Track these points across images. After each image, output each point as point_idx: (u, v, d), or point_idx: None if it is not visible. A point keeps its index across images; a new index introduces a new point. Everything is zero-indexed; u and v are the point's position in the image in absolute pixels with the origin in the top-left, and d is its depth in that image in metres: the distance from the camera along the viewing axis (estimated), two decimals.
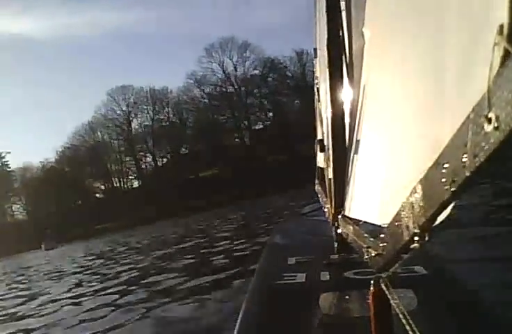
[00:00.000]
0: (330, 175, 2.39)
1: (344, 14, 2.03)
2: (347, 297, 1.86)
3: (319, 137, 3.37)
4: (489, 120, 0.50)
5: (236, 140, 64.49)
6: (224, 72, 63.85)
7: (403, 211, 0.83)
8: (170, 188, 56.85)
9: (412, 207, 0.77)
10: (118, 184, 68.60)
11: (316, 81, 3.88)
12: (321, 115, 3.54)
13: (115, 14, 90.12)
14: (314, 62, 4.10)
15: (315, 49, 3.75)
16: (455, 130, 0.60)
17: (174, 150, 65.35)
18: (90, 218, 60.23)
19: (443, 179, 0.64)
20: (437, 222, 0.76)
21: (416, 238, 0.77)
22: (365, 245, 1.23)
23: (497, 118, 0.49)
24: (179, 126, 65.18)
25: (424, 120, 0.88)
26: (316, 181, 4.63)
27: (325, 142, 2.89)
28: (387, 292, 0.99)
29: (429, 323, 1.36)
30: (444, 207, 0.68)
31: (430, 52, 0.84)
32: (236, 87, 63.78)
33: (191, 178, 60.60)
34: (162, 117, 66.66)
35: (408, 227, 0.81)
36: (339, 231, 2.18)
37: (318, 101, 3.74)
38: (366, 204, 1.53)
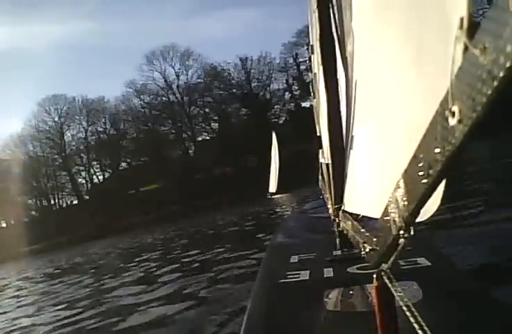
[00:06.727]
0: (329, 171, 2.49)
1: (335, 9, 2.10)
2: (351, 292, 1.78)
3: (318, 134, 3.51)
4: (453, 114, 0.52)
5: (180, 152, 61.44)
6: (165, 80, 61.09)
7: (390, 205, 0.82)
8: (110, 205, 53.61)
9: (397, 200, 0.78)
10: (53, 201, 63.97)
11: (312, 78, 4.06)
12: (318, 111, 3.59)
13: (58, 27, 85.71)
14: (312, 59, 4.06)
15: (312, 46, 3.62)
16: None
17: (113, 164, 61.53)
18: (21, 238, 55.50)
19: (420, 173, 0.64)
20: (426, 217, 0.79)
21: (401, 232, 0.77)
22: (361, 241, 1.22)
23: (460, 112, 0.50)
24: (117, 138, 61.37)
25: (408, 114, 0.90)
26: (320, 178, 4.65)
27: (323, 139, 3.04)
28: (390, 285, 0.95)
29: (434, 315, 1.26)
30: (425, 201, 0.68)
31: (410, 46, 0.85)
32: (178, 96, 60.89)
33: (131, 193, 57.43)
34: (99, 128, 62.70)
35: (394, 221, 0.80)
36: (340, 227, 2.26)
37: (314, 97, 3.90)
38: (363, 198, 1.57)
